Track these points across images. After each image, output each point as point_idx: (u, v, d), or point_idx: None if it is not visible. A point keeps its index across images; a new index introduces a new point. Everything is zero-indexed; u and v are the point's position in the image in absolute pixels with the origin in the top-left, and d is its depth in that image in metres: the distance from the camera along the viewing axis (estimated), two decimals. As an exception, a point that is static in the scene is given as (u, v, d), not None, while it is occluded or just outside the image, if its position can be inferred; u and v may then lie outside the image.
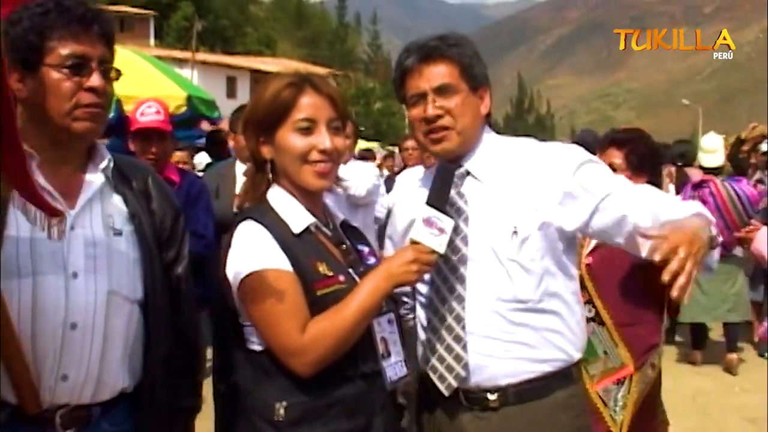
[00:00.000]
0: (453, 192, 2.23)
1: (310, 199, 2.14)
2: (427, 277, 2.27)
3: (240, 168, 4.91)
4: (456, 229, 2.19)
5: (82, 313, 1.89)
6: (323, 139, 2.07)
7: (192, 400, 2.20)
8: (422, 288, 2.35)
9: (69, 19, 1.90)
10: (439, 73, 2.25)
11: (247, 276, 1.97)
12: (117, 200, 2.03)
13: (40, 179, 1.89)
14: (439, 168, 2.22)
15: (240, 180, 4.61)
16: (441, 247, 2.05)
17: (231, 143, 5.44)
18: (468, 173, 2.31)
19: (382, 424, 2.08)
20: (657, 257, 1.90)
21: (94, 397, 1.93)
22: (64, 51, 1.90)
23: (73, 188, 1.96)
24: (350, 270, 2.11)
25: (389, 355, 2.13)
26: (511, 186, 2.25)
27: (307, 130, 2.08)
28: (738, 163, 7.78)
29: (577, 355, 2.33)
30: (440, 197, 2.11)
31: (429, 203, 2.09)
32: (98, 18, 1.95)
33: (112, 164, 2.04)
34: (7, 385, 1.82)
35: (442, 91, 2.25)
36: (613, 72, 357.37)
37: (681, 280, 1.86)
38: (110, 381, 1.96)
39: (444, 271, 2.26)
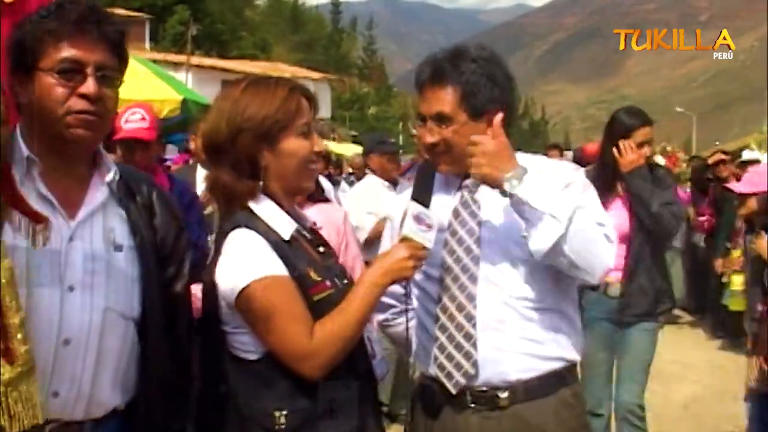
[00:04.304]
0: (468, 197, 2.33)
1: (291, 204, 2.14)
2: (436, 275, 2.32)
3: (201, 172, 4.73)
4: (470, 231, 2.28)
5: (76, 329, 1.82)
6: (318, 141, 2.08)
7: (182, 422, 2.11)
8: (428, 287, 2.37)
9: (65, 21, 1.83)
10: (438, 100, 2.29)
11: (249, 284, 1.94)
12: (120, 214, 1.96)
13: (42, 188, 1.84)
14: (420, 166, 2.30)
15: (201, 185, 4.49)
16: (430, 243, 2.08)
17: (192, 145, 5.09)
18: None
19: (374, 424, 2.10)
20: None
21: (86, 414, 1.87)
22: (57, 55, 1.83)
23: (75, 199, 1.90)
24: (332, 273, 2.11)
25: (375, 353, 2.16)
26: None
27: (308, 134, 2.09)
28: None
29: (577, 357, 2.40)
30: (425, 194, 2.15)
31: (415, 199, 2.12)
32: (100, 20, 1.87)
33: (117, 177, 1.97)
34: None
35: (437, 119, 2.29)
36: (608, 79, 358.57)
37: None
38: (102, 399, 1.89)
39: (455, 270, 2.30)
